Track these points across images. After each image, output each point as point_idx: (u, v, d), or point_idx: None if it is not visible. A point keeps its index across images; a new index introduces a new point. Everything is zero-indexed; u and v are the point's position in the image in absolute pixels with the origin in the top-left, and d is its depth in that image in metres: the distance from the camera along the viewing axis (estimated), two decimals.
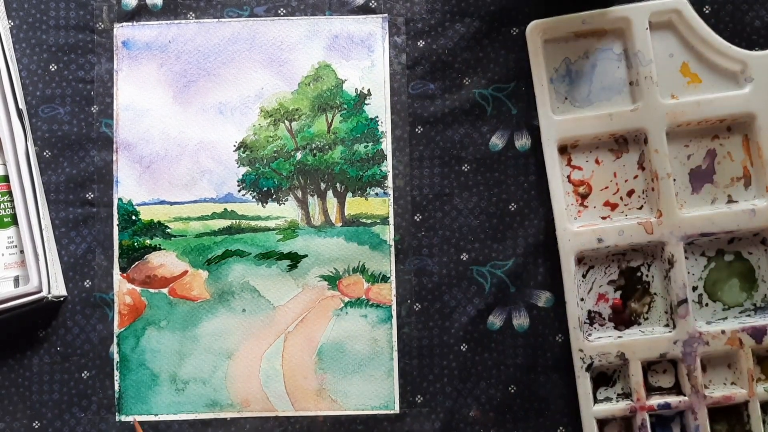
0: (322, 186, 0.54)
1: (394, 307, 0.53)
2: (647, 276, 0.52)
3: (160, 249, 0.54)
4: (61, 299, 0.53)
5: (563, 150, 0.53)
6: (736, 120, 0.52)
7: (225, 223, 0.54)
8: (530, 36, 0.52)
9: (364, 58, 0.54)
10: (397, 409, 0.52)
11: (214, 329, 0.53)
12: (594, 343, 0.51)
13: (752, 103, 0.51)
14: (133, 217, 0.54)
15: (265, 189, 0.54)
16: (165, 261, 0.54)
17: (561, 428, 0.52)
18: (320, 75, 0.54)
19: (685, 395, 0.51)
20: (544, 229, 0.53)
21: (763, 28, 0.53)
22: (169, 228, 0.54)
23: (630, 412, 0.51)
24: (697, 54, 0.52)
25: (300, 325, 0.53)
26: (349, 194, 0.54)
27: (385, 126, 0.54)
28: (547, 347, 0.52)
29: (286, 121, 0.54)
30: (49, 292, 0.51)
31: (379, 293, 0.53)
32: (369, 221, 0.53)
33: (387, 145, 0.54)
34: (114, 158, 0.54)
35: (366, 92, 0.54)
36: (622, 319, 0.52)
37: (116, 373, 0.53)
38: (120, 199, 0.54)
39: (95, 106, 0.54)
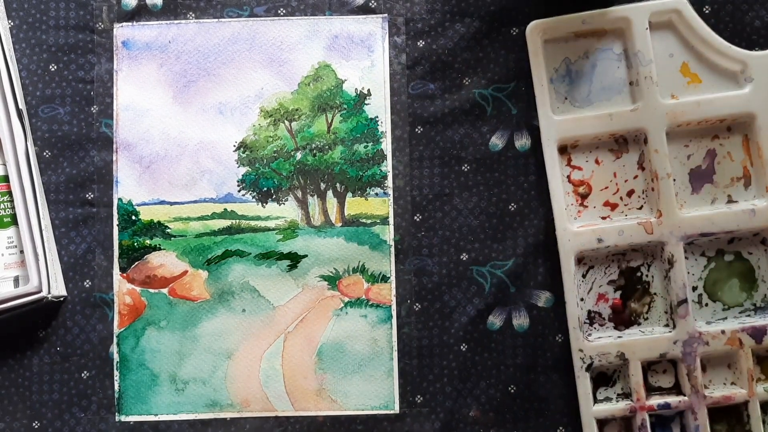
0: (322, 186, 0.54)
1: (394, 307, 0.53)
2: (647, 276, 0.52)
3: (160, 249, 0.54)
4: (61, 299, 0.53)
5: (563, 150, 0.53)
6: (736, 120, 0.52)
7: (225, 223, 0.54)
8: (530, 36, 0.52)
9: (364, 58, 0.54)
10: (397, 409, 0.52)
11: (214, 329, 0.53)
12: (594, 343, 0.51)
13: (752, 103, 0.51)
14: (133, 217, 0.54)
15: (265, 189, 0.54)
16: (165, 261, 0.54)
17: (561, 428, 0.52)
18: (320, 75, 0.54)
19: (685, 395, 0.51)
20: (544, 229, 0.53)
21: (763, 28, 0.53)
22: (169, 228, 0.54)
23: (630, 412, 0.51)
24: (697, 54, 0.52)
25: (300, 325, 0.53)
26: (349, 194, 0.54)
27: (385, 126, 0.54)
28: (547, 347, 0.52)
29: (286, 121, 0.54)
30: (49, 292, 0.51)
31: (379, 293, 0.53)
32: (369, 221, 0.53)
33: (387, 145, 0.54)
34: (114, 158, 0.54)
35: (366, 92, 0.54)
36: (622, 319, 0.52)
37: (116, 373, 0.53)
38: (120, 199, 0.54)
39: (95, 106, 0.54)
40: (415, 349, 0.53)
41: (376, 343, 0.53)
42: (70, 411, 0.52)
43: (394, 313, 0.53)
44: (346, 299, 0.53)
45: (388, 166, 0.54)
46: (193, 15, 0.54)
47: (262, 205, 0.54)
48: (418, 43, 0.54)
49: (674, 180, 0.52)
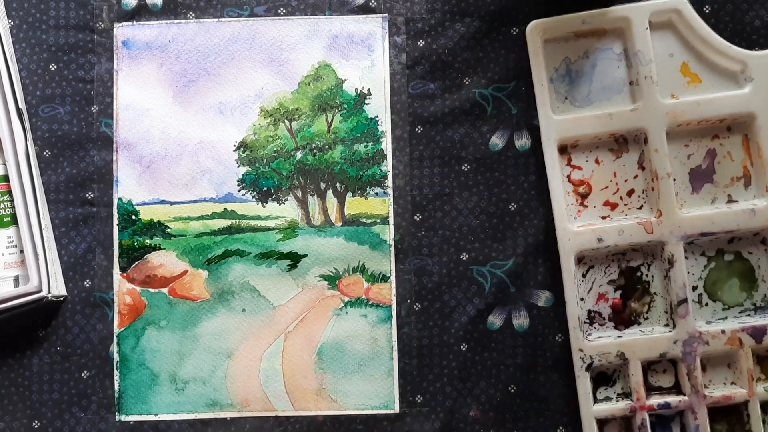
0: (322, 186, 0.54)
1: (394, 306, 0.53)
2: (647, 276, 0.52)
3: (160, 249, 0.54)
4: (61, 299, 0.53)
5: (563, 150, 0.53)
6: (736, 120, 0.52)
7: (225, 222, 0.54)
8: (530, 36, 0.52)
9: (364, 58, 0.54)
10: (397, 409, 0.52)
11: (214, 329, 0.53)
12: (594, 342, 0.51)
13: (752, 102, 0.51)
14: (133, 217, 0.54)
15: (265, 189, 0.54)
16: (165, 261, 0.54)
17: (561, 428, 0.52)
18: (320, 75, 0.54)
19: (685, 395, 0.51)
20: (544, 229, 0.53)
21: (763, 28, 0.53)
22: (169, 228, 0.54)
23: (630, 411, 0.51)
24: (697, 54, 0.52)
25: (300, 324, 0.53)
26: (349, 194, 0.54)
27: (385, 126, 0.54)
28: (547, 347, 0.52)
29: (286, 121, 0.54)
30: (49, 292, 0.51)
31: (379, 293, 0.53)
32: (369, 221, 0.53)
33: (387, 144, 0.54)
34: (114, 158, 0.54)
35: (366, 92, 0.54)
36: (622, 318, 0.52)
37: (116, 372, 0.53)
38: (120, 199, 0.54)
39: (95, 106, 0.54)
40: (415, 349, 0.53)
41: (376, 342, 0.53)
42: (70, 411, 0.52)
43: (394, 313, 0.53)
44: (346, 299, 0.53)
45: (388, 166, 0.54)
46: (193, 15, 0.54)
47: (262, 205, 0.54)
48: (418, 43, 0.54)
49: (674, 180, 0.52)
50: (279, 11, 0.54)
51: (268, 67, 0.54)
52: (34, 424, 0.52)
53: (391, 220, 0.53)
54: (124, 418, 0.52)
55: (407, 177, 0.54)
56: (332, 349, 0.53)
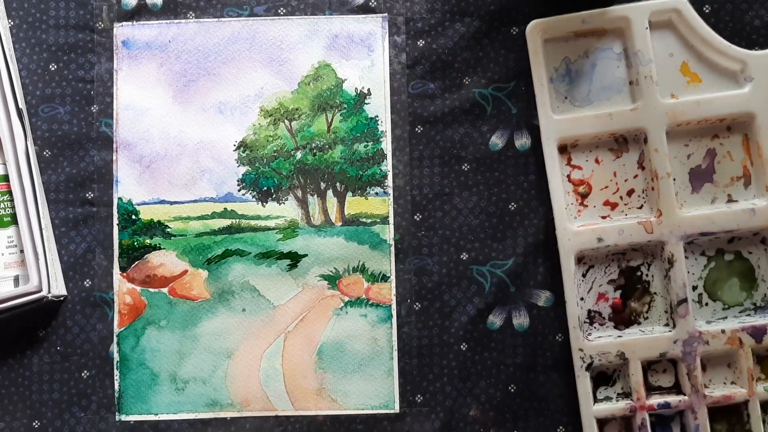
0: (322, 185, 0.54)
1: (394, 306, 0.53)
2: (647, 275, 0.52)
3: (160, 248, 0.54)
4: (61, 299, 0.53)
5: (563, 149, 0.53)
6: (735, 119, 0.52)
7: (225, 222, 0.54)
8: (530, 35, 0.52)
9: (363, 58, 0.54)
10: (397, 409, 0.52)
11: (214, 329, 0.53)
12: (594, 342, 0.51)
13: (752, 102, 0.51)
14: (133, 217, 0.54)
15: (265, 188, 0.54)
16: (165, 260, 0.54)
17: (561, 428, 0.52)
18: (320, 74, 0.54)
19: (685, 395, 0.51)
20: (544, 229, 0.53)
21: (762, 28, 0.53)
22: (169, 227, 0.54)
23: (630, 411, 0.51)
24: (697, 53, 0.52)
25: (300, 324, 0.53)
26: (349, 194, 0.54)
27: (385, 125, 0.54)
28: (547, 347, 0.52)
29: (286, 121, 0.54)
30: (49, 292, 0.51)
31: (379, 293, 0.53)
32: (369, 221, 0.53)
33: (387, 144, 0.54)
34: (114, 158, 0.54)
35: (366, 92, 0.54)
36: (622, 318, 0.52)
37: (116, 372, 0.53)
38: (120, 199, 0.54)
39: (95, 106, 0.54)
40: (415, 349, 0.53)
41: (376, 342, 0.53)
42: (70, 410, 0.52)
43: (394, 313, 0.53)
44: (346, 299, 0.53)
45: (388, 166, 0.54)
46: (193, 14, 0.54)
47: (262, 205, 0.54)
48: (418, 43, 0.54)
49: (674, 179, 0.52)
50: (279, 11, 0.54)
51: (268, 67, 0.54)
52: (34, 423, 0.52)
53: (391, 219, 0.53)
54: (124, 417, 0.52)
55: (407, 177, 0.54)
56: (332, 349, 0.53)
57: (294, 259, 0.53)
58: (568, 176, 0.53)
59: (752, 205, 0.51)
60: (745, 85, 0.51)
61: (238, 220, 0.54)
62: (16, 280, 0.52)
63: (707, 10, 0.53)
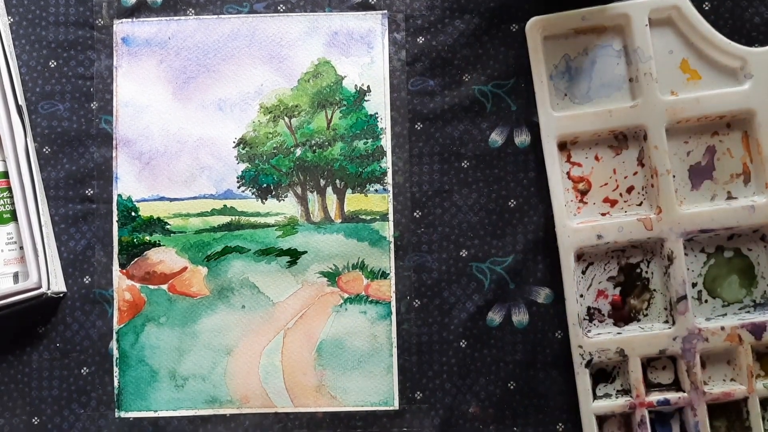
0: (322, 182, 0.54)
1: (393, 303, 0.53)
2: (647, 272, 0.52)
3: (159, 245, 0.54)
4: (61, 295, 0.53)
5: (563, 146, 0.53)
6: (735, 116, 0.52)
7: (224, 219, 0.54)
8: (530, 32, 0.52)
9: (363, 55, 0.54)
10: (396, 406, 0.52)
11: (214, 325, 0.53)
12: (593, 339, 0.51)
13: (752, 99, 0.51)
14: (133, 214, 0.54)
15: (265, 185, 0.54)
16: (164, 257, 0.54)
17: (560, 425, 0.52)
18: (320, 71, 0.54)
19: (684, 392, 0.51)
20: (544, 226, 0.53)
21: (762, 25, 0.53)
22: (168, 224, 0.54)
23: (629, 408, 0.50)
24: (697, 50, 0.52)
25: (299, 321, 0.53)
26: (349, 190, 0.54)
27: (385, 122, 0.54)
28: (547, 344, 0.52)
29: (285, 118, 0.54)
30: (49, 289, 0.51)
31: (379, 289, 0.53)
32: (368, 218, 0.53)
33: (386, 141, 0.54)
34: (113, 154, 0.54)
35: (365, 89, 0.54)
36: (622, 315, 0.52)
37: (115, 369, 0.53)
38: (119, 196, 0.54)
39: (95, 103, 0.54)
40: (414, 346, 0.53)
41: (375, 339, 0.53)
42: (69, 407, 0.52)
43: (393, 310, 0.53)
44: (346, 295, 0.53)
45: (387, 163, 0.54)
46: (192, 11, 0.54)
47: (262, 202, 0.54)
48: (418, 40, 0.54)
49: (674, 176, 0.52)
50: (278, 8, 0.54)
51: (268, 64, 0.54)
52: (33, 420, 0.52)
53: (390, 216, 0.53)
54: (123, 414, 0.53)
55: (407, 174, 0.54)
56: (332, 346, 0.53)
57: (293, 256, 0.53)
58: (568, 173, 0.53)
59: (752, 202, 0.51)
60: (744, 82, 0.51)
61: (237, 217, 0.54)
62: (16, 276, 0.52)
63: (707, 7, 0.53)
